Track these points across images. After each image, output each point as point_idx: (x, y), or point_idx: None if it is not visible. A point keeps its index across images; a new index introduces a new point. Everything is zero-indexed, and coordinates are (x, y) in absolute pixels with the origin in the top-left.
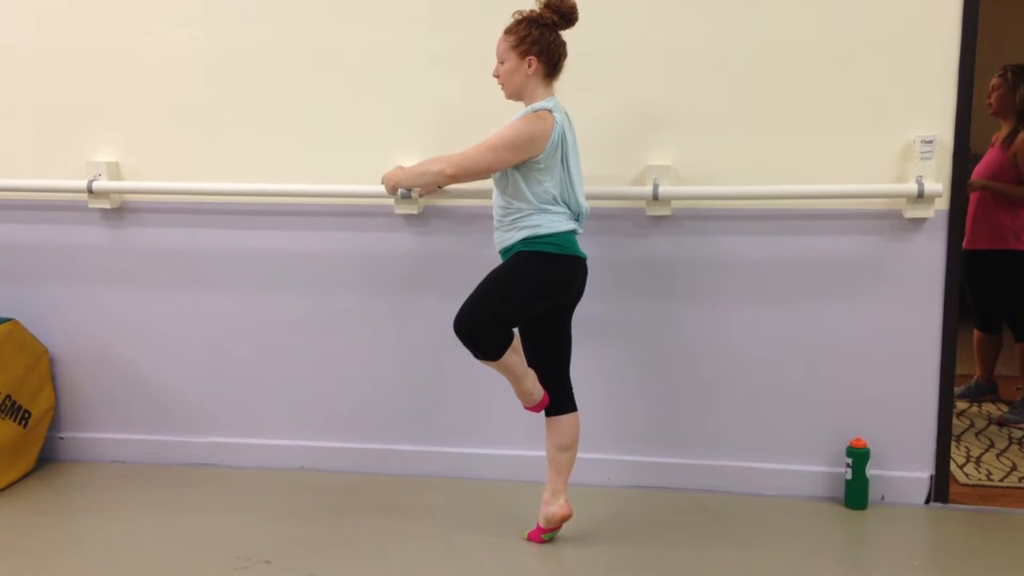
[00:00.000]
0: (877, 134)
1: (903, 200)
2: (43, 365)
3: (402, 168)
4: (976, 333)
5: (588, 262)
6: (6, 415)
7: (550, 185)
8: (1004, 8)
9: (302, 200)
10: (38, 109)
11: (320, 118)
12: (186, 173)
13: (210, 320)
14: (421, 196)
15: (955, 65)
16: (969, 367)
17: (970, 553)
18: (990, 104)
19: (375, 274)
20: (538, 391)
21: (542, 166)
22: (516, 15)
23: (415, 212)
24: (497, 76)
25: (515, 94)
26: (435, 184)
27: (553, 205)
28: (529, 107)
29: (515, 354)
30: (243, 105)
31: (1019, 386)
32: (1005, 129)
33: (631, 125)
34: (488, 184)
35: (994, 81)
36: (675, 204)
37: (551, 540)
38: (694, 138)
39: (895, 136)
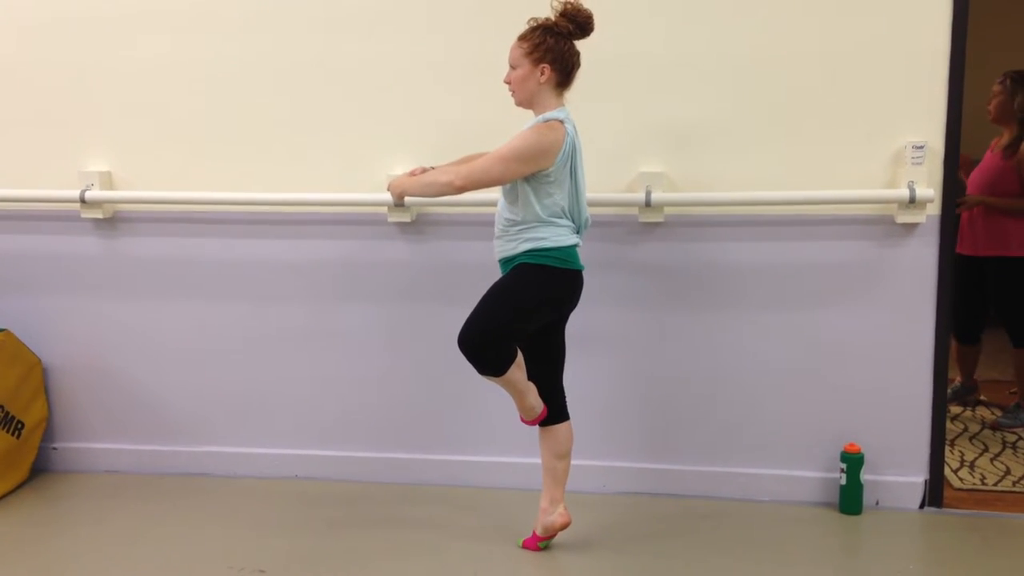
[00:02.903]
0: (868, 140)
1: (895, 205)
2: (36, 375)
3: (410, 175)
4: (954, 344)
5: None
6: None
7: (559, 197)
8: (993, 14)
9: (295, 209)
10: (30, 119)
11: (312, 127)
12: (179, 183)
13: (203, 329)
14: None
15: (945, 70)
16: (952, 371)
17: (965, 558)
18: (990, 111)
19: (368, 282)
20: (539, 405)
21: (552, 179)
22: (531, 22)
23: (408, 220)
24: (508, 82)
25: (525, 102)
26: (442, 194)
27: (560, 218)
28: (540, 116)
29: (518, 369)
30: (235, 115)
31: (1013, 391)
32: (1007, 136)
33: (623, 132)
34: (481, 192)
35: (994, 88)
36: (668, 211)
37: (547, 548)
38: (687, 145)
39: (886, 142)
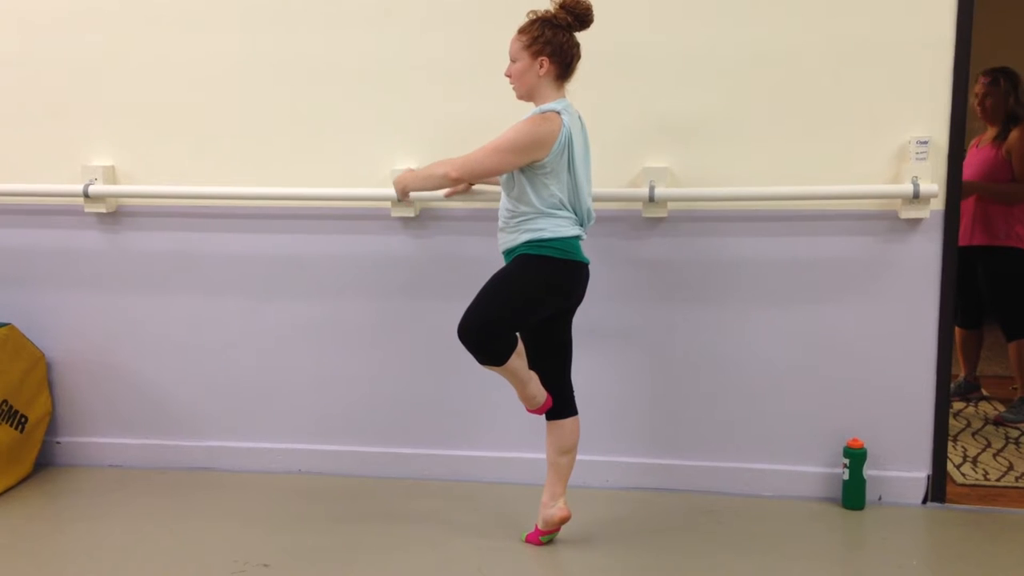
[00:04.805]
0: (872, 135)
1: (899, 201)
2: (40, 370)
3: (412, 171)
4: (957, 330)
5: None
6: (3, 420)
7: (556, 189)
8: (998, 9)
9: (299, 203)
10: (34, 113)
11: (315, 122)
12: (182, 177)
13: (207, 324)
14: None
15: (950, 66)
16: (956, 366)
17: (967, 553)
18: (981, 109)
19: (372, 277)
20: (541, 394)
21: (548, 170)
22: (531, 14)
23: (412, 215)
24: (509, 75)
25: (526, 95)
26: (441, 187)
27: (559, 210)
28: (537, 108)
29: (519, 358)
30: (239, 109)
31: (1015, 386)
32: (993, 130)
33: (627, 127)
34: (484, 186)
35: (984, 88)
36: (672, 206)
37: (549, 542)
38: (690, 140)
39: (890, 137)
